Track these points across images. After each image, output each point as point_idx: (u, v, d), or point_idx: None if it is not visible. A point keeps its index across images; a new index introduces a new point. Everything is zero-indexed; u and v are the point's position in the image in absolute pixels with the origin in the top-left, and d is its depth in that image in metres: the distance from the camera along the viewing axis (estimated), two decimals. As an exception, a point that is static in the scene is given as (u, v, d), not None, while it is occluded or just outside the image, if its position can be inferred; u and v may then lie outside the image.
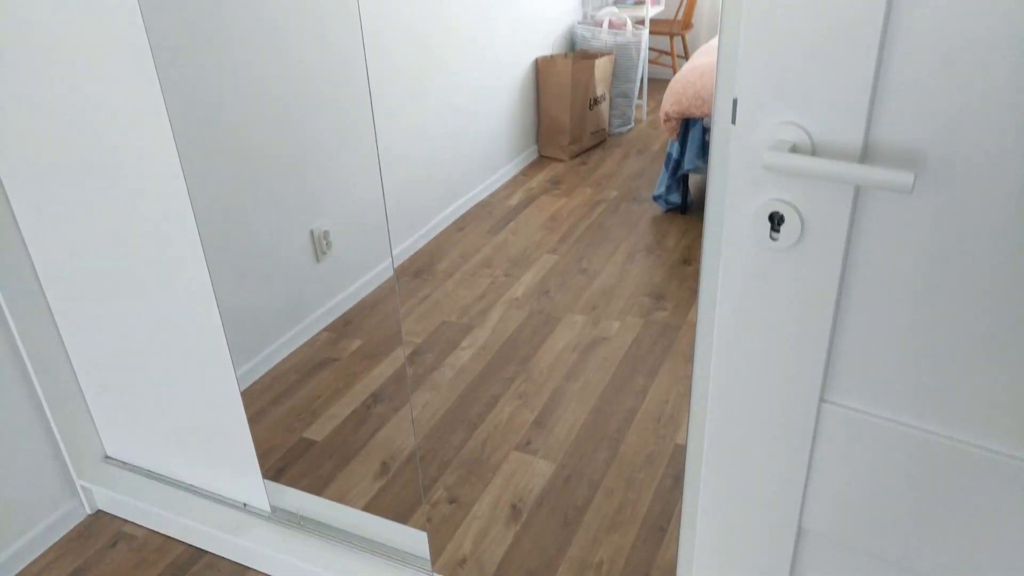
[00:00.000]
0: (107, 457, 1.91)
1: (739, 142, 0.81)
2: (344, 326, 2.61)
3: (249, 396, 2.22)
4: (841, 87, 0.73)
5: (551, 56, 3.99)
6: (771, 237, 0.83)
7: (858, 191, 0.78)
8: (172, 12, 1.91)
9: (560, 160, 4.09)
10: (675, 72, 4.98)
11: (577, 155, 4.13)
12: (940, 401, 0.84)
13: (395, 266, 3.02)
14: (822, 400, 0.91)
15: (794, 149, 0.77)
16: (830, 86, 0.74)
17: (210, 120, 2.10)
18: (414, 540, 1.63)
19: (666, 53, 5.18)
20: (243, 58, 2.15)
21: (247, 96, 2.18)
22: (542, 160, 4.11)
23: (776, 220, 0.82)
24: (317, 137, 2.47)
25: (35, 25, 1.35)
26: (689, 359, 2.37)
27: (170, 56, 1.97)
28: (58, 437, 1.79)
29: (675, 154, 3.26)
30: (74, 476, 1.84)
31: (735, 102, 0.80)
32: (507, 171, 3.89)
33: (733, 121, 0.81)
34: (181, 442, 1.76)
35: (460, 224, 3.41)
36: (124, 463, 1.89)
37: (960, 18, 0.66)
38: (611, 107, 4.34)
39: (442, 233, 3.33)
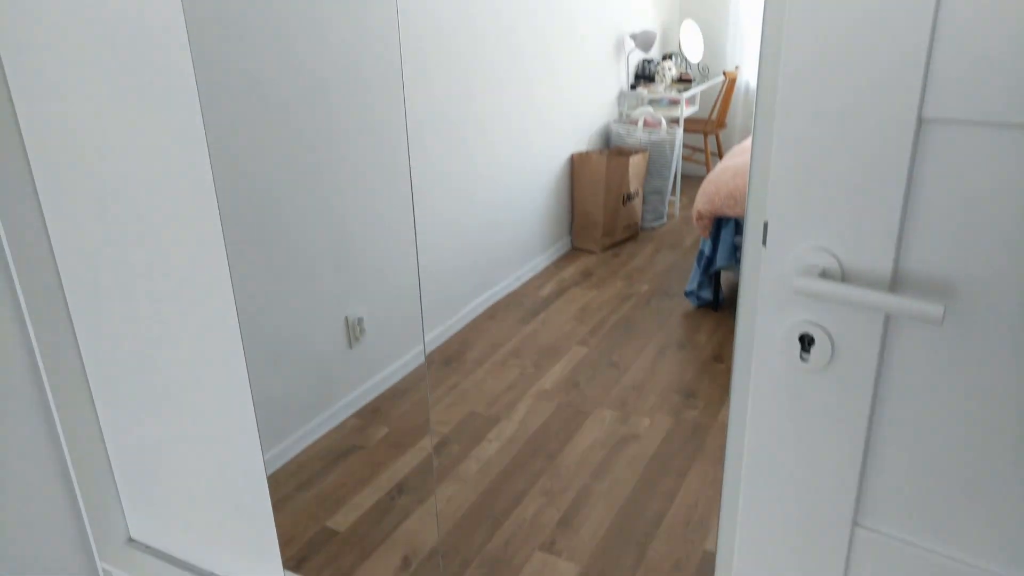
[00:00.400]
0: (131, 540, 1.91)
1: (769, 264, 0.82)
2: (372, 413, 2.61)
3: (275, 481, 2.22)
4: (870, 216, 0.75)
5: (586, 152, 4.10)
6: (801, 358, 0.84)
7: (889, 316, 0.79)
8: (225, 99, 2.02)
9: (592, 252, 4.14)
10: (708, 170, 5.07)
11: (609, 248, 4.18)
12: (975, 531, 0.81)
13: (426, 353, 3.04)
14: (855, 524, 0.89)
15: (824, 274, 0.78)
16: (859, 215, 0.76)
17: (254, 209, 2.18)
18: (432, 643, 1.59)
19: (700, 150, 5.29)
20: (288, 147, 2.25)
21: (290, 185, 2.27)
22: (575, 252, 4.16)
23: (807, 341, 0.83)
24: (356, 226, 2.55)
25: (95, 107, 1.44)
26: (719, 461, 2.32)
27: (220, 143, 2.07)
28: (85, 518, 1.80)
29: (707, 251, 3.28)
30: (97, 559, 1.84)
31: (766, 225, 0.82)
32: (540, 262, 3.94)
33: (764, 243, 0.83)
34: (204, 527, 1.76)
35: (491, 313, 3.44)
36: (147, 547, 1.89)
37: (988, 158, 0.68)
38: (644, 202, 4.41)
39: (473, 322, 3.36)
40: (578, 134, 4.14)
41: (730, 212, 3.12)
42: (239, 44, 2.04)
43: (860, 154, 0.73)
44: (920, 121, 0.70)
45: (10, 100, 1.51)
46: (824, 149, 0.75)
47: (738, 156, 3.47)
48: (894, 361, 0.80)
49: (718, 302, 3.40)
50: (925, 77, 0.68)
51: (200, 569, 1.82)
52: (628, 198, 4.15)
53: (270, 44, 2.11)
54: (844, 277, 0.78)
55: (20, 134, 1.54)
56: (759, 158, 0.84)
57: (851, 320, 0.80)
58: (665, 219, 4.54)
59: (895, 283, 0.77)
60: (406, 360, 2.88)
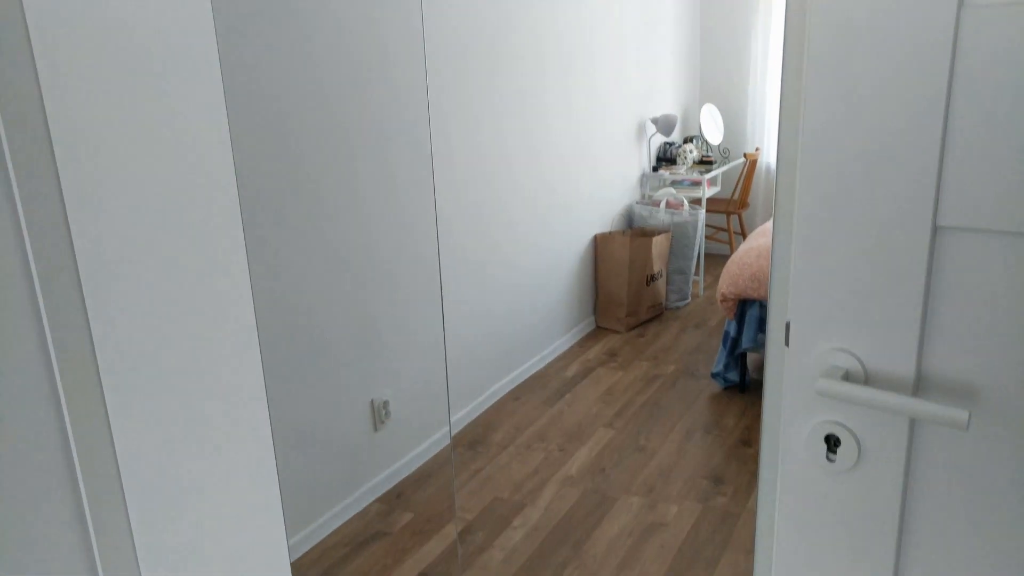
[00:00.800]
0: (151, 629, 1.88)
1: (792, 364, 0.83)
2: (396, 498, 2.59)
3: (298, 570, 2.20)
4: (891, 320, 0.76)
5: (609, 232, 4.15)
6: (828, 458, 0.83)
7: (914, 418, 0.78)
8: (259, 187, 2.09)
9: (617, 332, 4.14)
10: (732, 249, 5.09)
11: (634, 327, 4.18)
12: (1019, 644, 0.79)
13: (451, 435, 3.03)
14: (891, 631, 0.86)
15: (847, 376, 0.79)
16: (880, 318, 0.76)
17: (283, 293, 2.23)
18: None
19: (723, 229, 5.32)
20: (317, 231, 2.31)
21: (318, 269, 2.32)
22: (599, 331, 4.17)
23: (832, 442, 0.83)
24: (382, 310, 2.59)
25: (139, 205, 1.50)
26: (750, 551, 2.26)
27: (252, 229, 2.14)
28: (107, 607, 1.78)
29: (732, 332, 3.27)
30: (117, 649, 1.82)
31: (788, 325, 0.83)
32: (564, 341, 3.94)
33: (787, 343, 0.84)
34: (226, 619, 1.73)
35: (516, 394, 3.43)
36: (167, 637, 1.86)
37: (1003, 265, 0.69)
38: (668, 282, 4.43)
39: (498, 403, 3.35)
40: (601, 215, 4.21)
41: (754, 294, 3.12)
42: (274, 135, 2.13)
43: (878, 259, 0.75)
44: (935, 229, 0.72)
45: (52, 155, 1.58)
46: (843, 254, 0.77)
47: (761, 237, 3.49)
48: (922, 462, 0.79)
49: (745, 384, 3.37)
50: (938, 188, 0.70)
51: (220, 662, 1.78)
52: (652, 278, 4.18)
53: (306, 135, 2.20)
54: (867, 379, 0.78)
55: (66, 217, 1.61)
56: (779, 259, 0.86)
57: (876, 422, 0.80)
58: (689, 299, 4.54)
59: (919, 385, 0.77)
60: (430, 443, 2.87)
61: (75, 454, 1.58)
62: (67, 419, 1.55)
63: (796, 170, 0.78)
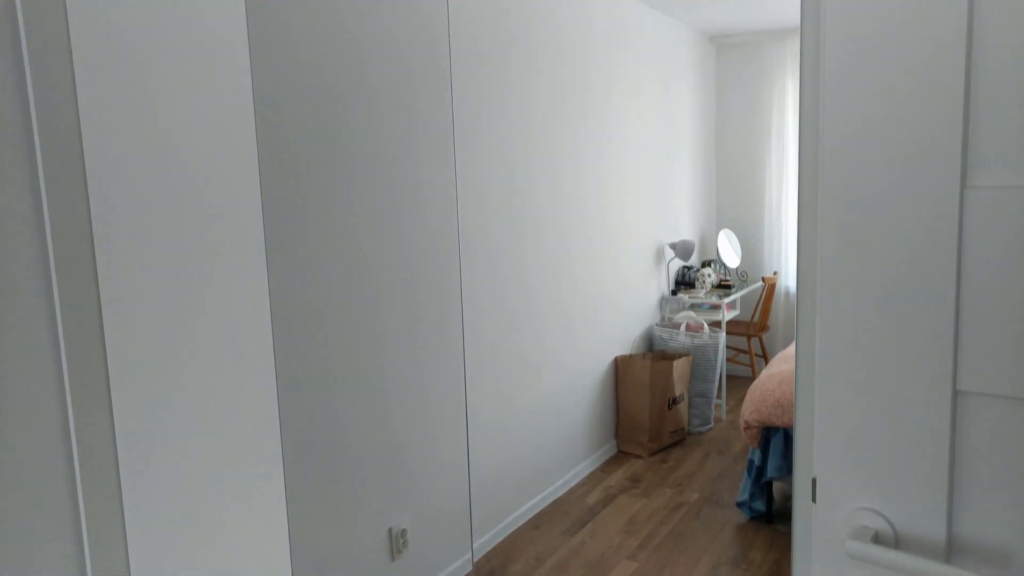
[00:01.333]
0: None
1: (821, 523, 0.83)
2: (412, 634, 2.50)
3: None
4: (918, 482, 0.76)
5: (630, 356, 4.16)
6: (862, 622, 0.82)
7: (949, 583, 0.77)
8: (287, 325, 2.14)
9: (639, 456, 4.07)
10: (753, 372, 5.06)
11: (656, 452, 4.11)
12: None
13: (473, 561, 2.95)
14: None
15: (877, 537, 0.78)
16: (907, 481, 0.77)
17: (306, 420, 2.24)
18: None
19: (744, 351, 5.32)
20: (343, 359, 2.34)
21: (341, 396, 2.34)
22: (621, 455, 4.10)
23: (866, 604, 0.81)
24: (404, 437, 2.58)
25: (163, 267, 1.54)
26: None
27: (281, 350, 2.18)
28: None
29: (757, 461, 3.21)
30: None
31: (814, 482, 0.84)
32: (585, 466, 3.88)
33: (813, 499, 0.84)
34: None
35: (536, 522, 3.35)
36: None
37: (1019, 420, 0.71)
38: (690, 406, 4.39)
39: (516, 531, 3.27)
40: (621, 338, 4.23)
41: (778, 422, 3.08)
42: (302, 259, 2.21)
43: (902, 421, 0.76)
44: (955, 393, 0.73)
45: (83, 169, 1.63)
46: (867, 415, 0.78)
47: (783, 363, 3.48)
48: (960, 630, 0.78)
49: (772, 514, 3.28)
50: (955, 354, 0.72)
51: None
52: (673, 401, 4.14)
53: (335, 261, 2.28)
54: (898, 542, 0.78)
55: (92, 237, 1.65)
56: (803, 415, 0.87)
57: (910, 585, 0.79)
58: (712, 423, 4.48)
59: (951, 548, 0.77)
60: (448, 574, 2.79)
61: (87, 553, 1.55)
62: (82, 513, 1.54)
63: (815, 335, 0.80)
